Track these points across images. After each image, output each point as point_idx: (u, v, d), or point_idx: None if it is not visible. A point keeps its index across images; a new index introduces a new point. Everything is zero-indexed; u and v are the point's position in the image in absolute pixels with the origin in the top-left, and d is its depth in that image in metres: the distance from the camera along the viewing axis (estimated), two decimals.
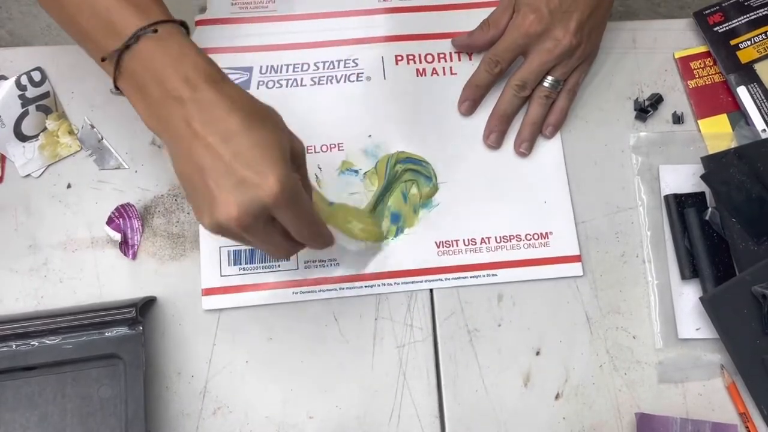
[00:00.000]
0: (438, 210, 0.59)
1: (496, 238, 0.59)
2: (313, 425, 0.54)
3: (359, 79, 0.62)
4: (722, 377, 0.56)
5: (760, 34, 0.64)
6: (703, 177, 0.59)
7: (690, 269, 0.58)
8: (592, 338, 0.57)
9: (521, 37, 0.59)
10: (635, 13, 1.44)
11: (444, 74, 0.63)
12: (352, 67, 0.62)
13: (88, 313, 0.52)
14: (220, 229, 0.43)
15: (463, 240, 0.59)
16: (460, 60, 0.64)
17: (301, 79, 0.62)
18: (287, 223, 0.44)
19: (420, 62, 0.63)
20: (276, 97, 0.56)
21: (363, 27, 0.64)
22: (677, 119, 0.63)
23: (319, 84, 0.62)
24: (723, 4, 0.65)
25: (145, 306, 0.55)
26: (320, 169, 0.59)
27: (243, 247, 0.57)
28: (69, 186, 0.59)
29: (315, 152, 0.60)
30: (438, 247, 0.58)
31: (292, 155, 0.45)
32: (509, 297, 0.58)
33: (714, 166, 0.59)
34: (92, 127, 0.60)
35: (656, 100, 0.63)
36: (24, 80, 0.60)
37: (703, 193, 0.60)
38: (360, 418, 0.55)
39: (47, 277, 0.56)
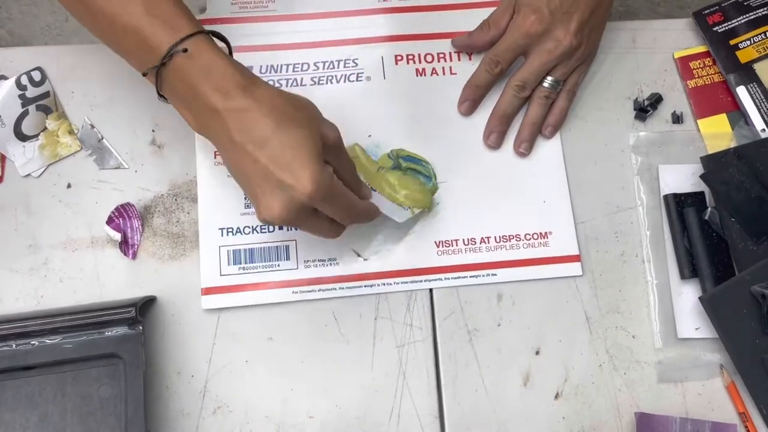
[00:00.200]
0: (438, 210, 0.59)
1: (495, 237, 0.59)
2: (313, 425, 0.54)
3: (359, 79, 0.62)
4: (722, 377, 0.56)
5: (760, 34, 0.64)
6: (702, 177, 0.59)
7: (689, 269, 0.58)
8: (592, 338, 0.57)
9: (522, 37, 0.59)
10: (635, 13, 1.44)
11: (444, 74, 0.63)
12: (352, 67, 0.63)
13: (88, 313, 0.52)
14: (270, 224, 0.48)
15: (463, 239, 0.59)
16: (460, 60, 0.64)
17: (301, 78, 0.62)
18: (328, 213, 0.48)
19: (420, 62, 0.63)
20: None
21: (363, 27, 0.64)
22: (677, 119, 0.63)
23: (319, 84, 0.62)
24: (722, 4, 0.65)
25: (145, 306, 0.55)
26: None
27: (242, 247, 0.57)
28: (69, 186, 0.59)
29: None
30: (437, 246, 0.58)
31: (326, 145, 0.48)
32: (509, 297, 0.58)
33: (713, 165, 0.59)
34: (92, 126, 0.60)
35: (656, 100, 0.63)
36: (24, 80, 0.60)
37: (702, 193, 0.60)
38: (360, 418, 0.55)
39: (47, 276, 0.56)
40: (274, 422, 0.54)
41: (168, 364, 0.55)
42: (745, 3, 0.65)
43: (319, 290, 0.57)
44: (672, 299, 0.58)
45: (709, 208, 0.59)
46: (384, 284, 0.57)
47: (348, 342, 0.56)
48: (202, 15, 0.63)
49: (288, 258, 0.57)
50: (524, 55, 0.60)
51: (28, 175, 0.59)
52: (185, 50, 0.46)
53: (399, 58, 0.63)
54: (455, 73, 0.63)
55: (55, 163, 0.59)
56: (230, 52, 0.51)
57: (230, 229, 0.57)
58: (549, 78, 0.60)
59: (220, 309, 0.56)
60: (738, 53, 0.64)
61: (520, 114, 0.62)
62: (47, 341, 0.52)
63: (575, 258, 0.59)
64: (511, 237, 0.59)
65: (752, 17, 0.65)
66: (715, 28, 0.65)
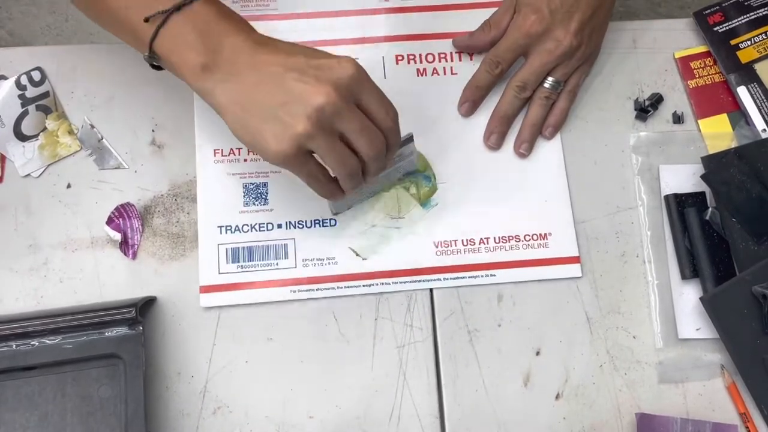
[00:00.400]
0: (437, 210, 0.59)
1: (495, 238, 0.59)
2: (313, 425, 0.54)
3: None
4: (722, 377, 0.56)
5: (760, 34, 0.64)
6: (703, 177, 0.59)
7: (690, 269, 0.58)
8: (592, 338, 0.57)
9: (522, 37, 0.59)
10: (635, 13, 1.44)
11: (445, 74, 0.63)
12: None
13: (88, 313, 0.52)
14: (319, 116, 0.44)
15: (462, 240, 0.59)
16: (461, 60, 0.64)
17: None
18: (371, 99, 0.47)
19: (420, 62, 0.63)
20: None
21: (364, 27, 0.64)
22: (677, 119, 0.63)
23: None
24: (723, 4, 0.65)
25: (145, 306, 0.55)
26: None
27: (241, 245, 0.57)
28: (69, 186, 0.59)
29: None
30: (436, 246, 0.58)
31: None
32: (509, 297, 0.58)
33: (714, 165, 0.59)
34: (92, 126, 0.60)
35: (656, 100, 0.63)
36: (24, 80, 0.60)
37: (703, 193, 0.60)
38: (360, 418, 0.55)
39: (47, 277, 0.56)
40: (274, 422, 0.54)
41: (168, 364, 0.55)
42: (746, 3, 0.65)
43: (318, 289, 0.57)
44: (673, 299, 0.58)
45: (710, 209, 0.59)
46: (382, 284, 0.57)
47: (348, 342, 0.56)
48: None
49: (287, 257, 0.57)
50: (525, 55, 0.60)
51: (28, 175, 0.59)
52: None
53: (400, 58, 0.63)
54: (456, 74, 0.63)
55: (54, 163, 0.59)
56: None
57: (229, 227, 0.57)
58: (550, 78, 0.60)
59: (220, 309, 0.56)
60: (739, 53, 0.64)
61: (521, 115, 0.62)
62: (47, 341, 0.52)
63: (575, 259, 0.59)
64: (511, 238, 0.59)
65: (753, 17, 0.64)
66: (715, 28, 0.65)
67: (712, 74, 0.64)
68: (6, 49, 0.64)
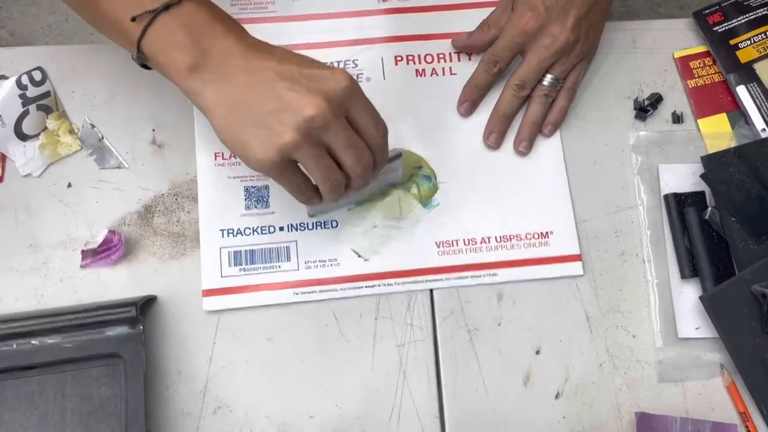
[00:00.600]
0: (438, 210, 0.59)
1: (496, 237, 0.59)
2: (313, 425, 0.54)
3: (359, 79, 0.62)
4: (722, 376, 0.56)
5: (760, 33, 0.64)
6: (702, 176, 0.59)
7: (690, 268, 0.58)
8: (592, 337, 0.57)
9: (519, 35, 0.59)
10: (635, 13, 1.44)
11: (444, 74, 0.63)
12: (352, 68, 0.63)
13: (88, 312, 0.52)
14: (308, 127, 0.44)
15: (464, 240, 0.59)
16: (459, 60, 0.64)
17: None
18: (362, 114, 0.47)
19: (419, 62, 0.63)
20: None
21: (362, 28, 0.64)
22: (677, 119, 0.63)
23: None
24: (723, 4, 0.65)
25: (146, 305, 0.55)
26: None
27: (243, 248, 0.57)
28: (69, 185, 0.59)
29: None
30: (438, 246, 0.58)
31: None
32: (509, 296, 0.58)
33: (714, 165, 0.59)
34: (92, 126, 0.60)
35: (656, 100, 0.63)
36: (24, 80, 0.60)
37: (702, 193, 0.60)
38: (360, 418, 0.55)
39: (47, 276, 0.56)
40: (274, 422, 0.54)
41: (168, 363, 0.55)
42: (745, 3, 0.65)
43: (320, 291, 0.57)
44: (672, 299, 0.58)
45: (710, 208, 0.59)
46: (385, 285, 0.57)
47: (348, 342, 0.56)
48: None
49: (289, 259, 0.57)
50: (522, 53, 0.60)
51: (29, 174, 0.59)
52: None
53: (399, 58, 0.63)
54: (455, 74, 0.63)
55: (55, 162, 0.59)
56: None
57: (231, 231, 0.57)
58: (548, 76, 0.60)
59: (221, 309, 0.56)
60: (738, 53, 0.64)
61: (520, 114, 0.62)
62: (47, 341, 0.52)
63: (576, 257, 0.59)
64: (512, 237, 0.59)
65: (752, 17, 0.65)
66: (715, 28, 0.65)
67: (711, 74, 0.64)
68: (6, 49, 0.64)
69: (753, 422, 0.55)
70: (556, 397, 0.56)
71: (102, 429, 0.51)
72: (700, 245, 0.58)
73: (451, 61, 0.64)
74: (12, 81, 0.60)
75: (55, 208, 0.58)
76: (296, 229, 0.58)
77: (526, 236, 0.59)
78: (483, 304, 0.57)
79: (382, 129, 0.49)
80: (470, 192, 0.60)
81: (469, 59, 0.64)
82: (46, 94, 0.60)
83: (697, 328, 0.57)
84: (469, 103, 0.61)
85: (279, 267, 0.57)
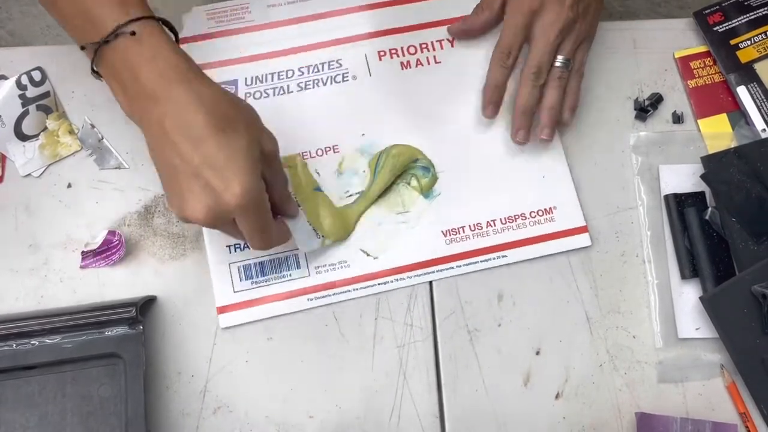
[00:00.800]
0: (440, 199, 0.59)
1: (501, 219, 0.59)
2: (313, 425, 0.54)
3: (345, 79, 0.62)
4: (722, 377, 0.56)
5: (760, 33, 0.64)
6: (703, 177, 0.59)
7: (690, 269, 0.58)
8: (592, 338, 0.57)
9: (523, 16, 0.59)
10: (635, 13, 1.44)
11: (428, 64, 0.63)
12: (337, 68, 0.62)
13: (88, 313, 0.52)
14: (187, 222, 0.46)
15: (469, 225, 0.59)
16: (443, 48, 0.64)
17: (288, 86, 0.62)
18: (242, 227, 0.46)
19: (403, 55, 0.63)
20: (264, 106, 0.56)
21: (342, 27, 0.64)
22: (677, 119, 0.63)
23: (305, 89, 0.62)
24: (723, 4, 0.65)
25: (145, 305, 0.55)
26: (318, 173, 0.59)
27: (252, 261, 0.57)
28: (69, 186, 0.59)
29: (311, 157, 0.60)
30: (445, 236, 0.58)
31: (263, 155, 0.47)
32: (509, 297, 0.58)
33: (714, 165, 0.59)
34: (92, 126, 0.60)
35: (656, 100, 0.63)
36: (24, 80, 0.60)
37: (702, 193, 0.60)
38: (360, 418, 0.55)
39: (47, 276, 0.56)
40: (274, 422, 0.54)
41: (168, 364, 0.55)
42: (746, 3, 0.65)
43: (334, 294, 0.57)
44: (672, 299, 0.58)
45: (710, 208, 0.59)
46: (397, 280, 0.57)
47: (348, 342, 0.56)
48: (184, 35, 0.62)
49: (299, 266, 0.57)
50: (528, 40, 0.60)
51: (29, 175, 0.59)
52: (133, 33, 0.46)
53: (382, 53, 0.63)
54: (440, 62, 0.63)
55: (55, 163, 0.59)
56: (177, 41, 0.50)
57: (238, 246, 0.57)
58: (559, 57, 0.60)
59: (238, 324, 0.56)
60: (738, 53, 0.64)
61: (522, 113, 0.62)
62: (47, 341, 0.52)
63: (582, 229, 0.59)
64: (517, 217, 0.59)
65: (752, 17, 0.64)
66: (715, 28, 0.65)
67: (711, 74, 0.64)
68: (6, 49, 0.64)
69: (753, 422, 0.55)
70: (556, 397, 0.56)
71: (102, 429, 0.51)
72: (701, 246, 0.58)
73: (434, 50, 0.64)
74: (12, 81, 0.60)
75: (55, 209, 0.58)
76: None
77: (530, 214, 0.59)
78: (483, 305, 0.57)
79: (266, 239, 0.49)
80: (470, 178, 0.60)
81: (452, 46, 0.64)
82: (46, 95, 0.60)
83: (697, 329, 0.57)
84: (493, 105, 0.61)
85: (290, 275, 0.57)
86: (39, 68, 0.60)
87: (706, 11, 0.66)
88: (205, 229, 0.58)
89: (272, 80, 0.62)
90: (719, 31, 0.65)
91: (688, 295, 0.58)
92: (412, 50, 0.64)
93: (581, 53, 0.61)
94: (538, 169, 0.60)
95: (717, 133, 0.62)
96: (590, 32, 0.62)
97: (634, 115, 0.63)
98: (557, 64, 0.60)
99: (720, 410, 0.56)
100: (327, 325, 0.56)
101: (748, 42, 0.64)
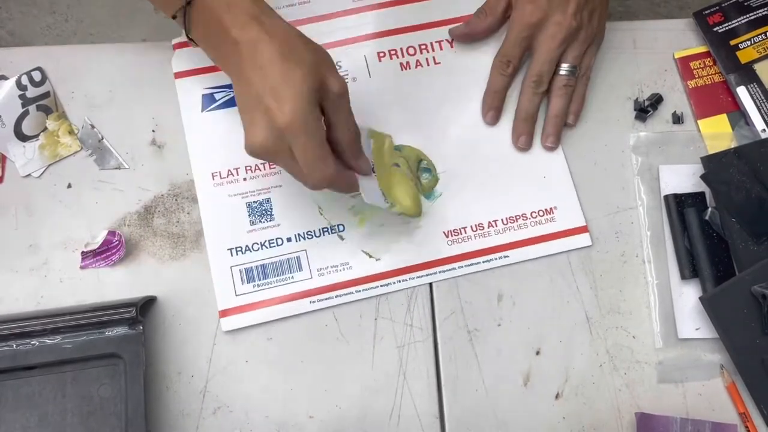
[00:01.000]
0: (441, 200, 0.59)
1: (502, 219, 0.59)
2: (313, 425, 0.54)
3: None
4: (722, 377, 0.56)
5: (760, 34, 0.64)
6: (702, 177, 0.59)
7: (690, 269, 0.58)
8: (592, 338, 0.57)
9: (524, 28, 0.59)
10: (635, 13, 1.44)
11: (428, 65, 0.63)
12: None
13: (88, 313, 0.52)
14: (254, 156, 0.48)
15: (471, 226, 0.59)
16: (441, 49, 0.64)
17: None
18: (297, 156, 0.47)
19: (403, 56, 0.63)
20: None
21: (341, 29, 0.64)
22: (677, 119, 0.63)
23: None
24: (723, 5, 0.65)
25: (145, 306, 0.55)
26: None
27: (254, 264, 0.57)
28: (69, 186, 0.59)
29: None
30: (447, 236, 0.58)
31: (327, 94, 0.48)
32: (509, 297, 0.58)
33: (714, 166, 0.59)
34: (92, 127, 0.60)
35: (656, 100, 0.63)
36: (24, 80, 0.60)
37: (702, 193, 0.60)
38: (360, 418, 0.55)
39: (47, 276, 0.56)
40: (274, 422, 0.54)
41: (168, 364, 0.55)
42: (746, 3, 0.65)
43: (336, 296, 0.57)
44: (672, 299, 0.58)
45: (710, 209, 0.59)
46: (400, 281, 0.57)
47: (348, 342, 0.56)
48: (179, 38, 0.62)
49: (301, 269, 0.57)
50: (530, 50, 0.60)
51: (29, 175, 0.59)
52: None
53: (381, 54, 0.63)
54: (439, 63, 0.63)
55: (55, 163, 0.59)
56: None
57: (239, 249, 0.57)
58: (564, 65, 0.60)
59: (240, 328, 0.56)
60: (738, 53, 0.64)
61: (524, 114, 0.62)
62: (47, 341, 0.52)
63: (583, 229, 0.59)
64: (518, 217, 0.59)
65: (752, 17, 0.65)
66: (715, 29, 0.65)
67: (711, 74, 0.64)
68: (6, 49, 0.64)
69: (753, 422, 0.55)
70: (556, 397, 0.56)
71: (102, 429, 0.51)
72: (700, 246, 0.58)
73: (433, 50, 0.64)
74: (12, 81, 0.60)
75: (55, 209, 0.58)
76: (304, 238, 0.58)
77: (531, 215, 0.59)
78: (483, 305, 0.57)
79: (322, 170, 0.48)
80: (471, 178, 0.60)
81: (451, 47, 0.64)
82: (46, 95, 0.60)
83: (697, 329, 0.57)
84: (494, 111, 0.61)
85: (292, 278, 0.57)
86: (39, 68, 0.60)
87: (706, 12, 0.66)
88: (205, 230, 0.58)
89: None
90: (719, 31, 0.65)
91: (688, 296, 0.58)
92: (411, 51, 0.64)
93: (588, 57, 0.62)
94: (539, 170, 0.61)
95: (717, 133, 0.62)
96: (598, 36, 0.62)
97: (634, 115, 0.63)
98: (563, 72, 0.60)
99: (720, 410, 0.56)
100: (327, 326, 0.56)
101: (748, 42, 0.64)
